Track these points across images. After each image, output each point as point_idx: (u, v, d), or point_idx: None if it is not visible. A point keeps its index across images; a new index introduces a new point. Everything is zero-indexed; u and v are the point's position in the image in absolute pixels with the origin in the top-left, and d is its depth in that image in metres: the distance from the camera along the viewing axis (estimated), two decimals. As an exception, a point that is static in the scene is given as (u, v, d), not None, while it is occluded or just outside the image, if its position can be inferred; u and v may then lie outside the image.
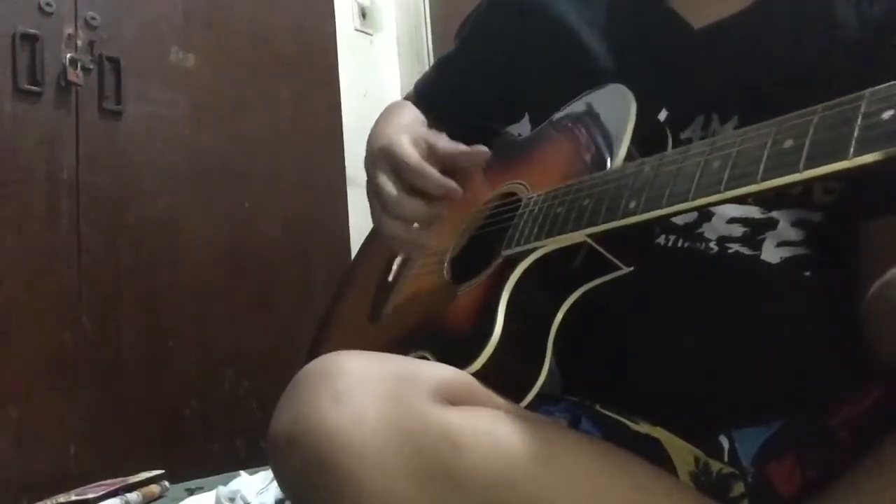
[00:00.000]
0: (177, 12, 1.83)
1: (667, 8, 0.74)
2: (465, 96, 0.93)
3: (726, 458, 0.68)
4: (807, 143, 0.42)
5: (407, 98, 1.02)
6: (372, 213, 0.75)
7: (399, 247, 0.75)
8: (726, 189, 0.46)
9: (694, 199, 0.48)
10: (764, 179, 0.43)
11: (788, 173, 0.42)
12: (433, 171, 0.68)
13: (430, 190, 0.68)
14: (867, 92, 0.40)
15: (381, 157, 0.73)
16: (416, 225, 0.71)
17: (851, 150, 0.39)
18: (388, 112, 0.96)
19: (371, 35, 2.42)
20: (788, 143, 0.43)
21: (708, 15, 0.71)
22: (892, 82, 0.39)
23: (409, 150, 0.70)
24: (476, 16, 0.93)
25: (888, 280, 0.57)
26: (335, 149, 2.12)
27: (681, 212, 0.50)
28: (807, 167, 0.41)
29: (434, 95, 0.97)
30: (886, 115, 0.38)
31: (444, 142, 0.71)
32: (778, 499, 0.64)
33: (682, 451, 0.67)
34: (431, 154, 0.71)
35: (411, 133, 0.73)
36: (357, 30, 2.37)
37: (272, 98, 2.00)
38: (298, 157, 2.03)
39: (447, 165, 0.71)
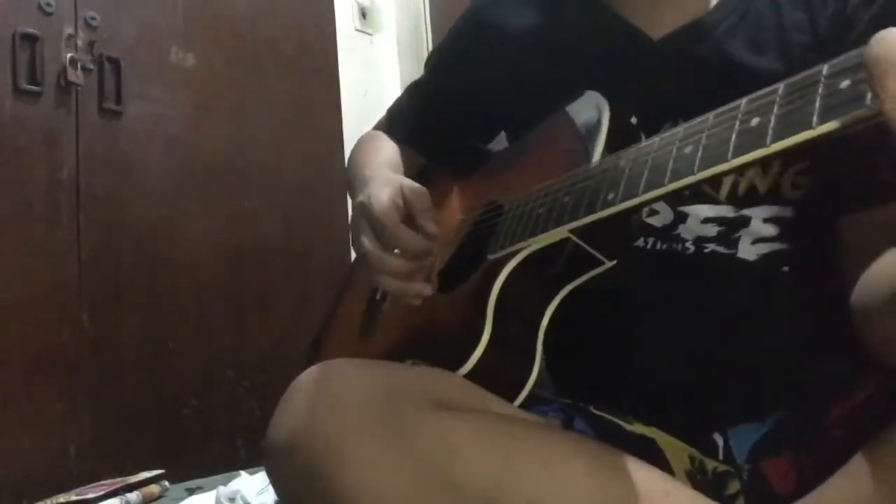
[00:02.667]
0: (177, 12, 1.83)
1: (625, 22, 0.75)
2: (439, 122, 0.94)
3: (721, 457, 0.68)
4: (772, 118, 0.43)
5: (379, 125, 1.03)
6: (364, 265, 0.75)
7: (399, 298, 0.75)
8: (699, 171, 0.47)
9: (669, 183, 0.49)
10: (734, 157, 0.45)
11: (756, 149, 0.43)
12: (407, 234, 0.68)
13: (409, 251, 0.69)
14: (826, 65, 0.42)
15: (361, 214, 0.73)
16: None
17: (814, 119, 0.40)
18: (365, 148, 0.96)
19: (371, 35, 2.42)
20: (755, 121, 0.44)
21: (665, 25, 0.73)
22: (848, 53, 0.40)
23: (388, 211, 0.70)
24: (445, 42, 0.94)
25: (872, 278, 0.57)
26: (335, 149, 2.12)
27: (658, 197, 0.51)
28: (774, 141, 0.42)
29: (406, 122, 0.98)
30: (844, 84, 0.40)
31: (419, 202, 0.72)
32: (774, 496, 0.64)
33: (677, 450, 0.68)
34: (410, 206, 0.72)
35: (393, 185, 0.73)
36: (357, 30, 2.37)
37: (272, 98, 2.00)
38: (298, 157, 2.03)
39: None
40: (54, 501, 1.31)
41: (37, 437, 1.50)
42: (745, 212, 0.68)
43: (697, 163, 0.47)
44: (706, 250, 0.69)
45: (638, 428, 0.68)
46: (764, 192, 0.68)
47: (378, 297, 0.81)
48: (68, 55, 1.62)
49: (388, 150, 0.93)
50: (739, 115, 0.46)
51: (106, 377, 1.61)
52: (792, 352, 0.68)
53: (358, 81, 2.29)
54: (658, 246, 0.70)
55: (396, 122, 1.00)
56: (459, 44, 0.91)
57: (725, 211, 0.69)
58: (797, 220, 0.69)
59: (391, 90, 2.39)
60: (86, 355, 1.59)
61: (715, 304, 0.69)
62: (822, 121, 0.40)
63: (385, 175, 0.79)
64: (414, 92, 1.00)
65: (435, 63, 0.96)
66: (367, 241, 0.71)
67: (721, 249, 0.69)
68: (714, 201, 0.68)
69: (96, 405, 1.59)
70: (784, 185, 0.68)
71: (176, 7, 1.83)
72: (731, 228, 0.69)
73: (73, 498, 1.30)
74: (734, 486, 0.67)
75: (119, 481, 1.36)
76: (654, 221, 0.70)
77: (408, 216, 0.71)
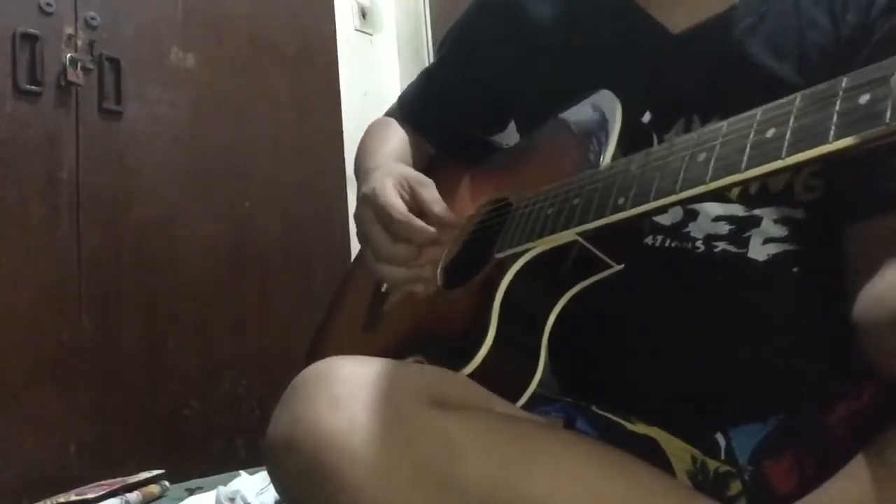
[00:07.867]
0: (177, 12, 1.83)
1: (645, 14, 0.74)
2: (450, 108, 0.93)
3: (723, 457, 0.68)
4: (788, 130, 0.42)
5: (391, 112, 1.02)
6: (364, 258, 0.75)
7: (398, 288, 0.75)
8: (712, 180, 0.46)
9: (680, 192, 0.48)
10: (748, 168, 0.44)
11: (772, 161, 0.43)
12: (418, 223, 0.68)
13: (417, 241, 0.69)
14: (843, 77, 0.41)
15: (366, 205, 0.73)
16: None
17: (832, 134, 0.40)
18: (373, 137, 0.95)
19: (371, 35, 2.42)
20: (771, 132, 0.44)
21: (685, 20, 0.72)
22: (866, 67, 0.40)
23: (395, 201, 0.70)
24: (458, 26, 0.93)
25: (874, 294, 0.57)
26: (335, 149, 2.12)
27: (669, 205, 0.50)
28: (789, 154, 0.42)
29: (418, 109, 0.97)
30: (863, 99, 0.39)
31: (427, 191, 0.72)
32: (776, 497, 0.64)
33: (679, 450, 0.68)
34: (414, 198, 0.72)
35: (395, 175, 0.74)
36: (357, 30, 2.37)
37: (272, 98, 2.00)
38: (298, 157, 2.03)
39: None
40: (54, 501, 1.31)
41: (37, 437, 1.50)
42: (756, 211, 0.68)
43: (710, 172, 0.46)
44: (716, 249, 0.68)
45: (640, 428, 0.68)
46: (776, 193, 0.68)
47: (382, 290, 0.81)
48: (68, 55, 1.62)
49: (395, 140, 0.93)
50: (755, 125, 0.45)
51: (106, 377, 1.61)
52: (797, 353, 0.68)
53: (358, 81, 2.28)
54: (667, 244, 0.69)
55: (407, 108, 0.99)
56: (473, 29, 0.90)
57: (736, 209, 0.68)
58: (808, 222, 0.68)
59: (391, 90, 2.39)
60: (86, 355, 1.59)
61: (722, 304, 0.69)
62: (840, 136, 0.39)
63: (389, 166, 0.79)
64: (426, 77, 0.99)
65: (447, 48, 0.95)
66: (374, 232, 0.71)
67: (732, 248, 0.68)
68: (725, 199, 0.68)
69: (96, 405, 1.59)
70: (797, 186, 0.68)
71: (176, 7, 1.83)
72: (741, 227, 0.68)
73: (73, 498, 1.30)
74: (736, 487, 0.66)
75: (119, 481, 1.36)
76: (662, 219, 0.69)
77: (415, 207, 0.71)
